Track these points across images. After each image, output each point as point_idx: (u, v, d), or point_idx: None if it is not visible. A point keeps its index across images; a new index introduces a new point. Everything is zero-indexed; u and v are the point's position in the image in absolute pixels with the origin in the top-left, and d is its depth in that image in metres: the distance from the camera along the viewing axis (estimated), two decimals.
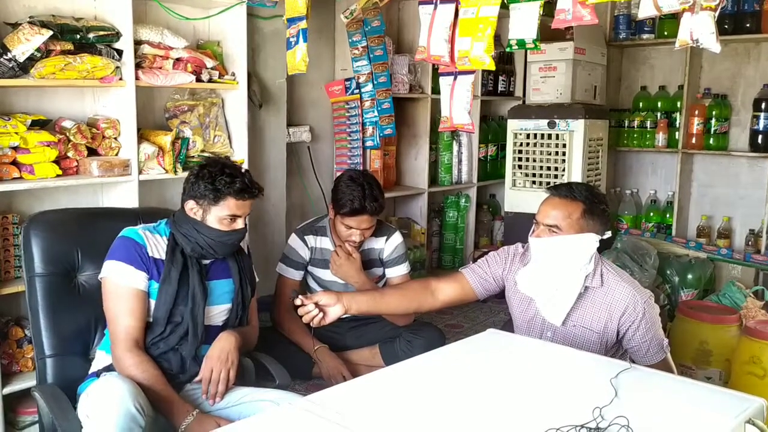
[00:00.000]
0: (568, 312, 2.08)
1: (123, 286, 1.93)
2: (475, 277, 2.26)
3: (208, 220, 1.99)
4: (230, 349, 2.00)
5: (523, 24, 2.11)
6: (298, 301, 2.04)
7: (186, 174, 2.69)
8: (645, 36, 4.39)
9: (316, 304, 2.04)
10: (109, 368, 1.95)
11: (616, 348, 2.13)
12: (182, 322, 1.97)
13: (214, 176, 1.97)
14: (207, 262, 2.07)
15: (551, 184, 2.42)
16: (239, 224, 2.02)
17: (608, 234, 2.08)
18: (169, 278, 1.95)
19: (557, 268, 2.05)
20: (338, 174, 3.11)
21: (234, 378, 2.00)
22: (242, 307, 2.13)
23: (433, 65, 3.69)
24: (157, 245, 2.00)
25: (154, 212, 2.22)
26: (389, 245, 2.91)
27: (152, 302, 1.96)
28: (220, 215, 1.98)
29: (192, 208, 2.00)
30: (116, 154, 2.61)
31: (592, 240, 2.03)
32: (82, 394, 1.87)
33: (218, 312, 2.08)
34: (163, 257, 1.98)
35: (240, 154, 2.94)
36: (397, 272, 2.92)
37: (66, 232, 2.06)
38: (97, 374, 1.95)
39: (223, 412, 1.94)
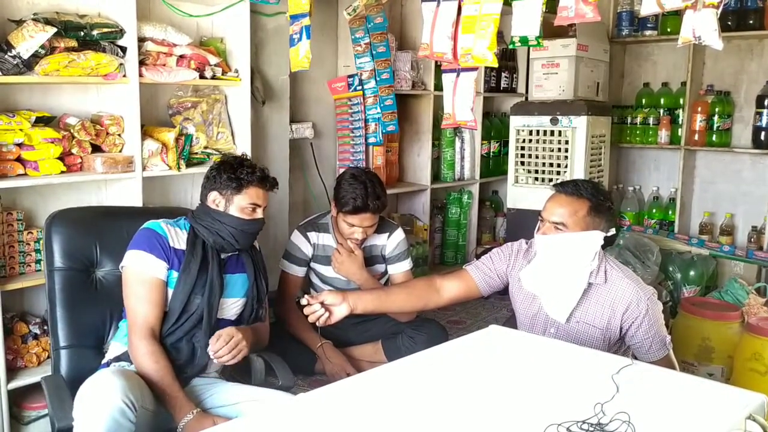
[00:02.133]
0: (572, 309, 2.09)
1: (143, 274, 1.98)
2: (480, 275, 2.27)
3: (231, 209, 2.06)
4: (240, 332, 2.04)
5: (526, 21, 2.10)
6: (304, 301, 2.06)
7: (189, 170, 2.74)
8: (648, 32, 4.38)
9: (322, 304, 2.06)
10: (118, 358, 1.99)
11: (618, 344, 2.14)
12: (196, 311, 2.01)
13: (235, 168, 2.07)
14: (224, 256, 2.11)
15: (554, 181, 2.43)
16: (259, 214, 2.10)
17: (613, 231, 2.08)
18: (189, 268, 2.00)
19: (562, 265, 2.05)
20: (341, 171, 3.12)
21: (242, 348, 2.01)
22: (257, 300, 2.17)
23: (436, 62, 3.68)
24: (178, 237, 2.06)
25: (174, 211, 2.28)
26: (391, 242, 2.91)
27: (170, 291, 2.00)
28: (242, 204, 2.06)
29: (215, 199, 2.07)
30: (120, 151, 2.62)
31: (597, 237, 2.03)
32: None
33: (232, 304, 2.12)
34: (184, 248, 2.03)
35: (243, 151, 2.94)
36: (399, 269, 2.92)
37: (86, 229, 2.13)
38: (108, 364, 2.00)
39: (223, 411, 1.96)
